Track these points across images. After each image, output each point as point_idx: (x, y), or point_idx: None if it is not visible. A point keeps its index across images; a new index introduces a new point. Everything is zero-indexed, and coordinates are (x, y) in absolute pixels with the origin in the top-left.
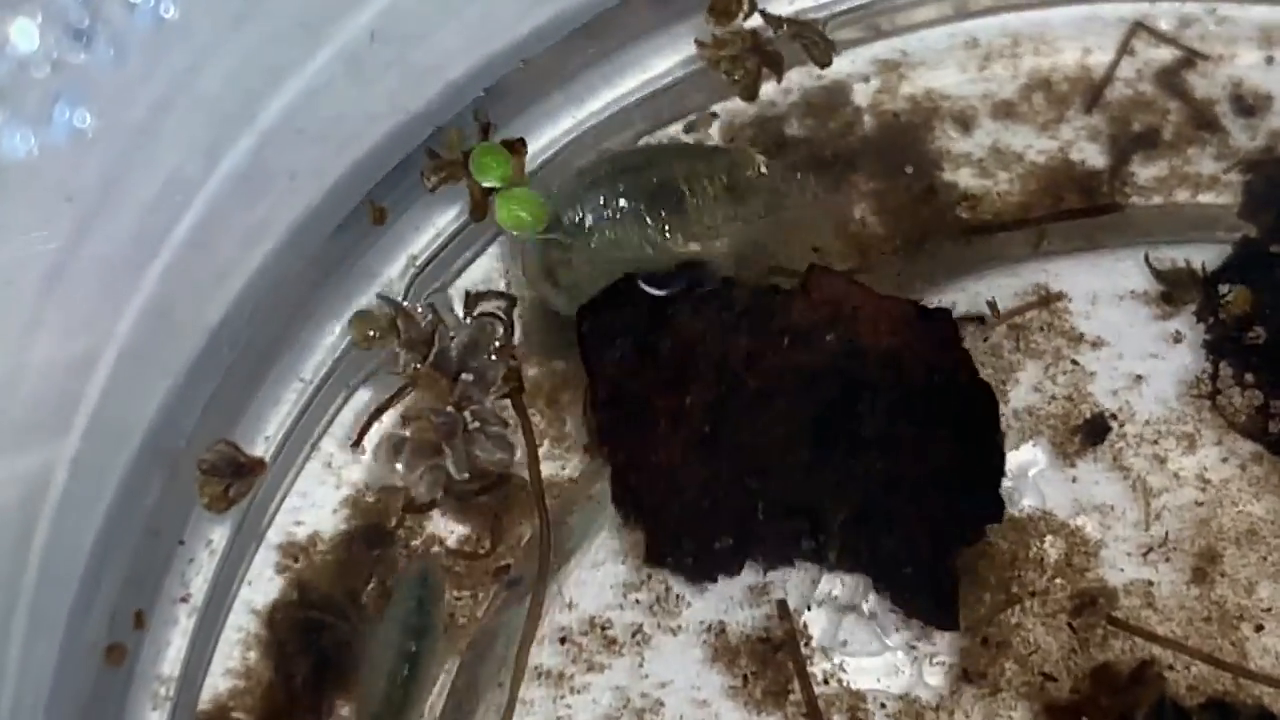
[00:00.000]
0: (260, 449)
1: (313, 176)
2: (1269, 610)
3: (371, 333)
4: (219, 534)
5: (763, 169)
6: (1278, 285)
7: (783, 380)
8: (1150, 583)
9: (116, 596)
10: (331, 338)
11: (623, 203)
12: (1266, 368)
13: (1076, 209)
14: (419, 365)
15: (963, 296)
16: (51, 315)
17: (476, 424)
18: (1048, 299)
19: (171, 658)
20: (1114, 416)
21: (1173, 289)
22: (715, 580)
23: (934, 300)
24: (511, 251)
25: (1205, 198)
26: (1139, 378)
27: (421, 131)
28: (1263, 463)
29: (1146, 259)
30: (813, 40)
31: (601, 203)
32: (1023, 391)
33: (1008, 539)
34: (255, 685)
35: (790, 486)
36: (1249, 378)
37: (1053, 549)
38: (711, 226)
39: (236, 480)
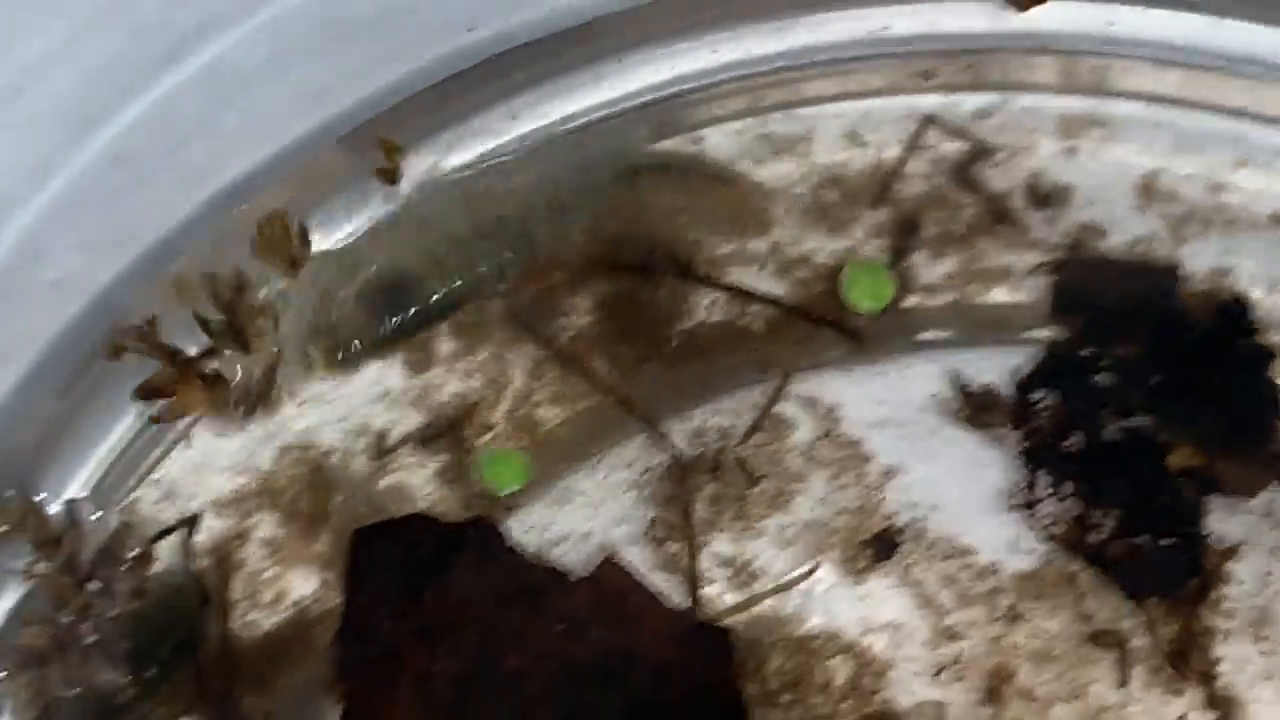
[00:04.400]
0: None
1: (74, 286)
2: None
3: (1, 526)
4: None
5: None
6: (1091, 391)
7: (544, 667)
8: (941, 703)
9: None
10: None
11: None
12: (1084, 476)
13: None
14: (45, 566)
15: (718, 419)
16: None
17: (95, 637)
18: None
19: None
20: (902, 530)
21: (976, 413)
22: None
23: (708, 417)
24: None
25: (999, 296)
26: (931, 488)
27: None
28: (1056, 574)
29: (956, 382)
30: None
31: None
32: (809, 503)
33: (793, 660)
34: None
35: None
36: (1067, 487)
37: (840, 670)
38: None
39: None
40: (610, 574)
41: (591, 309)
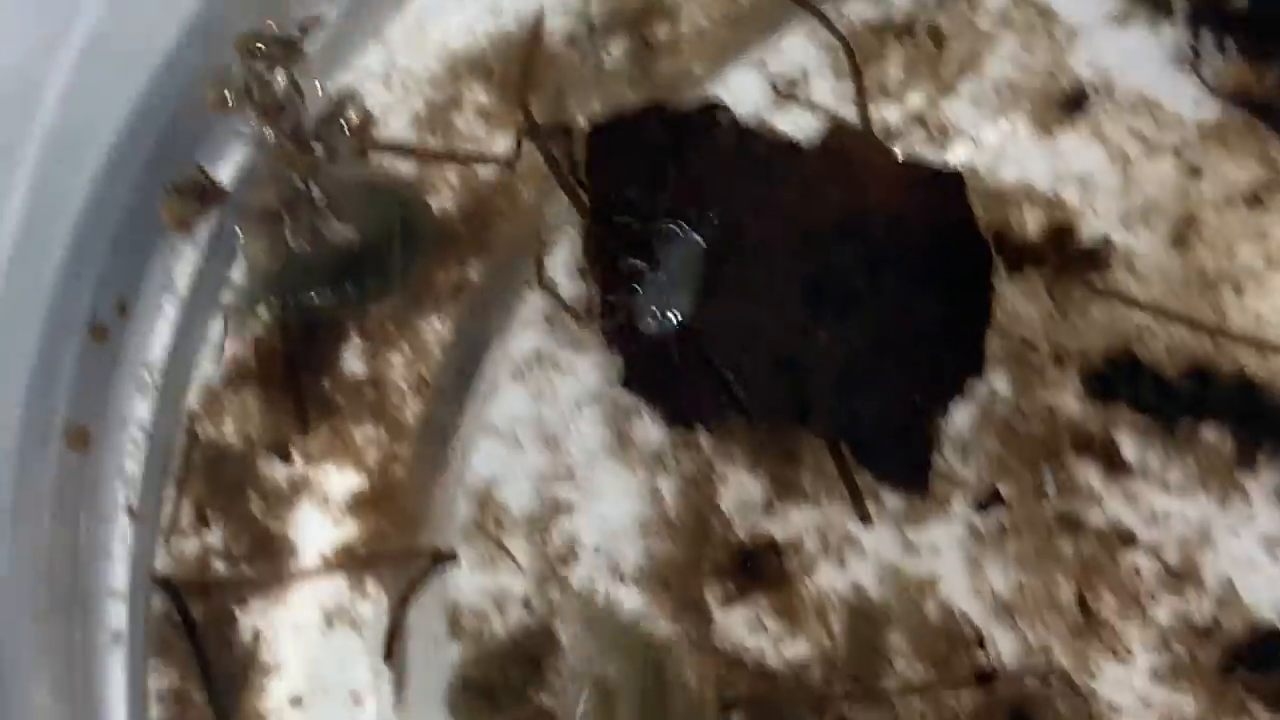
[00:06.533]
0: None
1: None
2: (1249, 271)
3: (227, 96)
4: (203, 227)
5: None
6: None
7: (785, 232)
8: (1130, 249)
9: (97, 284)
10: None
11: None
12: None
13: None
14: (270, 131)
15: None
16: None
17: (324, 199)
18: None
19: (157, 345)
20: (1094, 88)
21: None
22: (691, 428)
23: None
24: None
25: None
26: (1116, 48)
27: None
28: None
29: None
30: None
31: None
32: (1001, 63)
33: (989, 210)
34: (244, 369)
35: (780, 343)
36: (1229, 43)
37: (1032, 218)
38: None
39: (200, 205)
40: (840, 137)
41: None
